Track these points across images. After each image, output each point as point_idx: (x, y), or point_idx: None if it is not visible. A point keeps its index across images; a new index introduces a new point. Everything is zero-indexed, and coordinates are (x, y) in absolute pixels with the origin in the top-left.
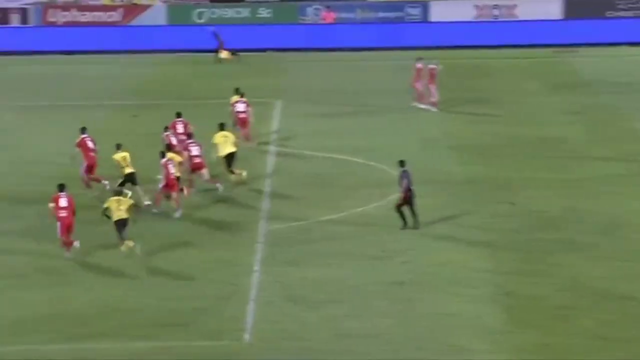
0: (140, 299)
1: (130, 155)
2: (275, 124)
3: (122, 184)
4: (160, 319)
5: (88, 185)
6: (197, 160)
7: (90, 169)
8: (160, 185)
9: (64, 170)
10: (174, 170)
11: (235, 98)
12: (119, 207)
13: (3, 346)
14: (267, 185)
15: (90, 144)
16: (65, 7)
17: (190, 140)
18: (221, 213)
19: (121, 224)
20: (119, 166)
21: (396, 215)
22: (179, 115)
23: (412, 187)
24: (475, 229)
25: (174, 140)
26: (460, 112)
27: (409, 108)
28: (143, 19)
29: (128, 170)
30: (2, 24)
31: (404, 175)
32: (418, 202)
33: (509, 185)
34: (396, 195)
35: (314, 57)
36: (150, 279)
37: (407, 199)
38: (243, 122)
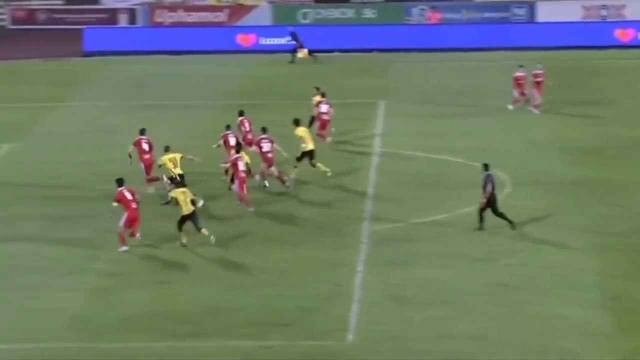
0: (242, 299)
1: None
2: (378, 124)
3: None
4: (263, 319)
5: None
6: (270, 155)
7: (146, 170)
8: (236, 187)
9: (164, 170)
10: (243, 168)
11: (318, 98)
12: (186, 200)
13: (110, 343)
14: (370, 186)
15: (145, 146)
16: (172, 8)
17: (263, 136)
18: (324, 214)
19: (190, 216)
20: (165, 168)
21: (499, 218)
22: (241, 113)
23: (495, 192)
24: (583, 232)
25: (232, 141)
26: (565, 114)
27: (513, 109)
28: (249, 19)
29: (178, 171)
30: (110, 24)
31: (488, 179)
32: (523, 203)
33: (617, 187)
34: (499, 197)
35: (418, 58)
36: (253, 278)
37: (490, 203)
38: (324, 123)
